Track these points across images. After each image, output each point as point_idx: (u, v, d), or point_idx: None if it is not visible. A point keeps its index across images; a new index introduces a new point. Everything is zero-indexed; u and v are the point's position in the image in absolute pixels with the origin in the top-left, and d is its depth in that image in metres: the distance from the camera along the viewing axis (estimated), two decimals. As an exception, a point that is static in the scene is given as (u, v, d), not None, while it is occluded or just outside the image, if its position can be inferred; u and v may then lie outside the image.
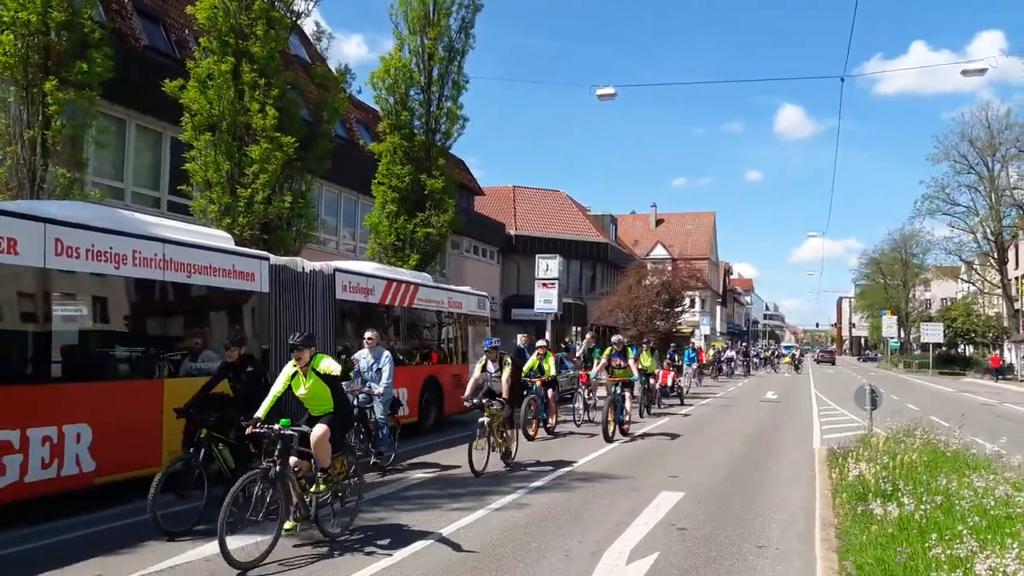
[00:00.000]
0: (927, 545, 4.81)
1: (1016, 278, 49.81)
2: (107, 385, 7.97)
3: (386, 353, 10.25)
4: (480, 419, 9.89)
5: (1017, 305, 48.31)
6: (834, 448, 10.98)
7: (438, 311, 15.27)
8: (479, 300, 17.39)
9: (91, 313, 8.06)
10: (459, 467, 10.32)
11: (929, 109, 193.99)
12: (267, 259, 10.31)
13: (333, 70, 16.17)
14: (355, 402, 9.40)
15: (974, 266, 55.65)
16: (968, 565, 4.26)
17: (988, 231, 48.95)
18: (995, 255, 49.68)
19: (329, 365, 6.57)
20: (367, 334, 10.29)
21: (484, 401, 10.20)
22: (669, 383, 21.00)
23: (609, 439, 12.78)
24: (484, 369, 10.79)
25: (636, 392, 13.87)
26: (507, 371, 10.48)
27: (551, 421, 14.03)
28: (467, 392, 10.69)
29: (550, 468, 10.36)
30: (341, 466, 6.79)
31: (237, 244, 10.96)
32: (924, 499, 6.06)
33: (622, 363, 13.84)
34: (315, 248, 20.01)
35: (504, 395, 10.30)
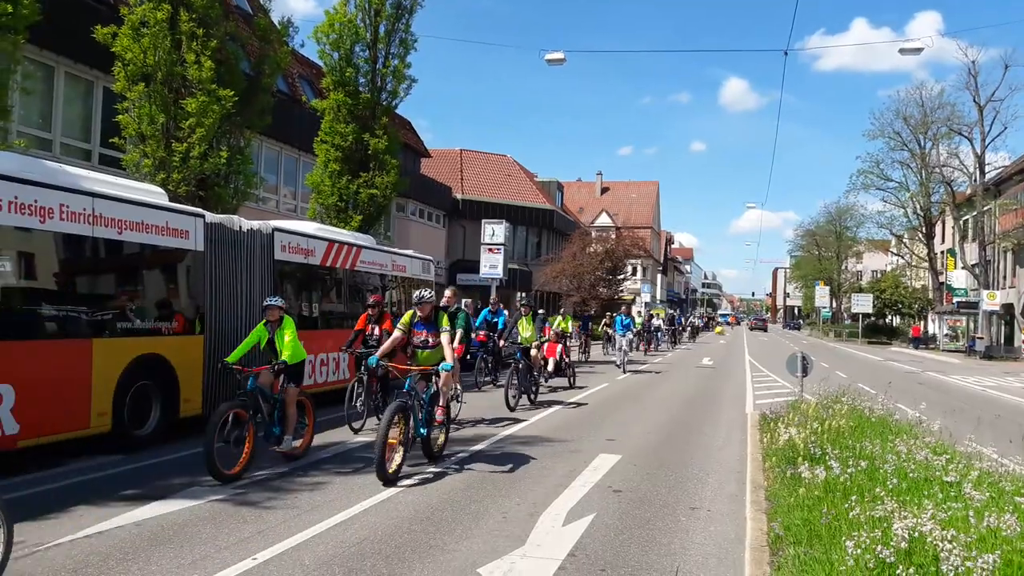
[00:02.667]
0: (847, 507, 5.02)
1: (941, 252, 52.00)
2: (32, 344, 7.63)
3: None
4: None
5: (941, 278, 50.47)
6: (766, 413, 11.34)
7: (382, 274, 15.08)
8: (424, 264, 17.25)
9: (14, 269, 7.67)
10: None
11: (867, 86, 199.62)
12: (202, 216, 9.98)
13: (276, 23, 15.59)
14: None
15: (904, 240, 57.82)
16: (887, 525, 4.46)
17: (918, 206, 50.83)
18: (923, 230, 51.71)
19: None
20: None
21: None
22: (557, 358, 16.76)
23: (389, 478, 7.16)
24: None
25: (442, 385, 8.24)
26: None
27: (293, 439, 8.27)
28: None
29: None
30: None
31: (172, 200, 10.58)
32: (850, 463, 6.30)
33: (430, 338, 8.10)
34: (254, 207, 19.51)
35: None
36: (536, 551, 5.44)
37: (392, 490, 7.04)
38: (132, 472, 7.56)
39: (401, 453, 7.51)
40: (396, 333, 8.19)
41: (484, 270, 24.11)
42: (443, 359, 7.96)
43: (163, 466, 7.85)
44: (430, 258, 18.13)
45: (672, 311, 55.98)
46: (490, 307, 16.85)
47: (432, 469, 7.96)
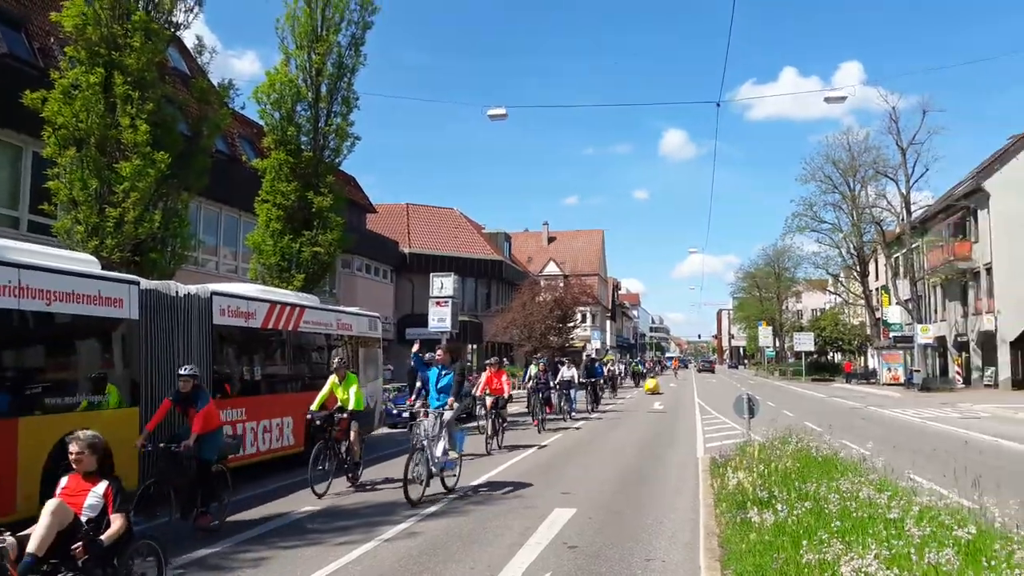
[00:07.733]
0: (800, 552, 5.04)
1: (876, 289, 53.79)
2: (-48, 425, 7.23)
3: None
4: None
5: (878, 314, 52.10)
6: (716, 457, 11.40)
7: (327, 334, 14.84)
8: (370, 321, 17.05)
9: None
10: (348, 497, 10.06)
11: (798, 133, 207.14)
12: (137, 283, 9.70)
13: (216, 84, 15.53)
14: None
15: (840, 279, 59.67)
16: (835, 568, 4.49)
17: (851, 246, 52.64)
18: (858, 268, 53.50)
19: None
20: None
21: None
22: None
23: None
24: None
25: None
26: None
27: None
28: None
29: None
30: None
31: (106, 267, 10.27)
32: (796, 505, 6.35)
33: None
34: (192, 269, 19.11)
35: None
36: (489, 616, 5.29)
37: (341, 561, 6.80)
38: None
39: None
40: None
41: (432, 323, 23.94)
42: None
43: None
44: (376, 315, 17.95)
45: (590, 356, 39.89)
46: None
47: (385, 536, 7.73)
